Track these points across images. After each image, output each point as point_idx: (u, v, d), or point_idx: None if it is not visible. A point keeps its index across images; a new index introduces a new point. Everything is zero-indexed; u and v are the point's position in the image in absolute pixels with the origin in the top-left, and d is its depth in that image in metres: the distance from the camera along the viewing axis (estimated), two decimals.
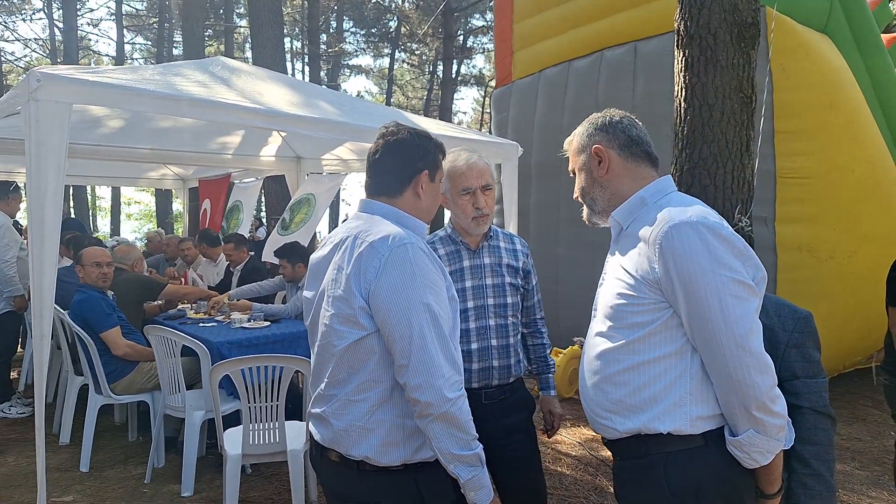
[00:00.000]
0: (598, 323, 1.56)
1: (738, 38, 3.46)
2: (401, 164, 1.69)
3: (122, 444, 4.34)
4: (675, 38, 3.70)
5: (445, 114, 22.79)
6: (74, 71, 3.12)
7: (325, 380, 1.64)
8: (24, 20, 24.40)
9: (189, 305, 5.08)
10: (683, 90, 3.64)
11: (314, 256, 1.77)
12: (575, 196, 1.70)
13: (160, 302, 4.81)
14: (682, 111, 3.64)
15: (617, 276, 1.51)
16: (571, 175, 1.70)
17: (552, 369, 2.48)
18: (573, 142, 1.68)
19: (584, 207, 1.68)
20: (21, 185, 5.39)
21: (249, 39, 28.63)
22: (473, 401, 2.11)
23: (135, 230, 31.68)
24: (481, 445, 1.54)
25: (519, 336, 2.30)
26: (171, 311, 4.90)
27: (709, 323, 1.35)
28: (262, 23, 8.23)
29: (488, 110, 32.54)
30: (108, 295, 4.11)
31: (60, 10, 19.54)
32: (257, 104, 3.65)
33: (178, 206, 29.91)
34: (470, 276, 2.19)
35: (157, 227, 22.39)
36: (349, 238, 1.61)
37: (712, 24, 3.47)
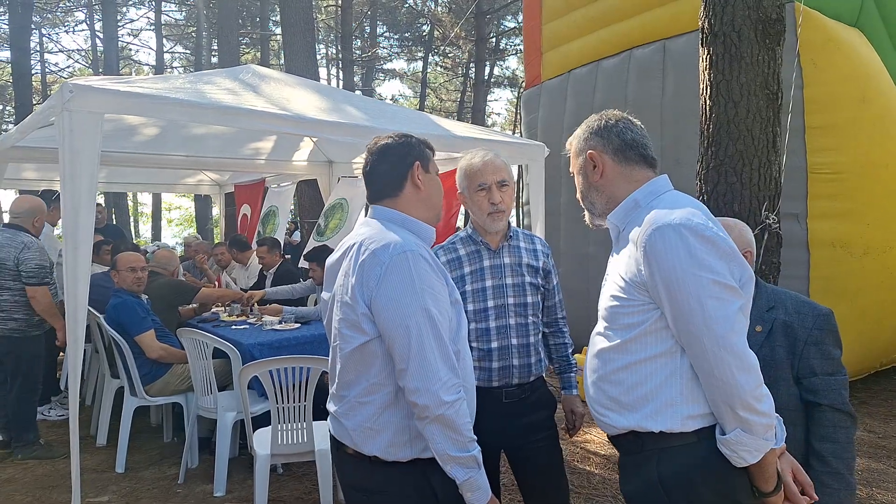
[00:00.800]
0: (599, 323, 1.60)
1: (762, 34, 3.40)
2: (392, 165, 1.76)
3: (157, 446, 4.47)
4: (700, 36, 3.66)
5: (479, 116, 22.79)
6: (106, 81, 3.24)
7: (338, 380, 1.72)
8: (66, 32, 25.25)
9: (222, 308, 5.20)
10: (708, 88, 3.60)
11: (329, 260, 1.84)
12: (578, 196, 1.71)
13: (195, 305, 4.93)
14: (708, 109, 3.60)
15: (613, 278, 1.55)
16: (571, 176, 1.72)
17: (574, 368, 2.48)
18: (573, 144, 1.71)
19: (585, 210, 1.71)
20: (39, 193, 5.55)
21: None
22: (494, 399, 2.16)
23: (175, 235, 32.47)
24: (479, 448, 1.58)
25: (539, 335, 2.30)
26: (205, 314, 5.03)
27: (691, 325, 1.37)
28: (294, 30, 8.38)
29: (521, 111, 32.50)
30: (143, 299, 4.23)
31: (101, 22, 20.19)
32: (285, 110, 3.73)
33: (218, 210, 30.59)
34: (490, 275, 2.21)
35: (197, 231, 22.91)
36: (355, 245, 1.68)
37: (736, 21, 3.43)
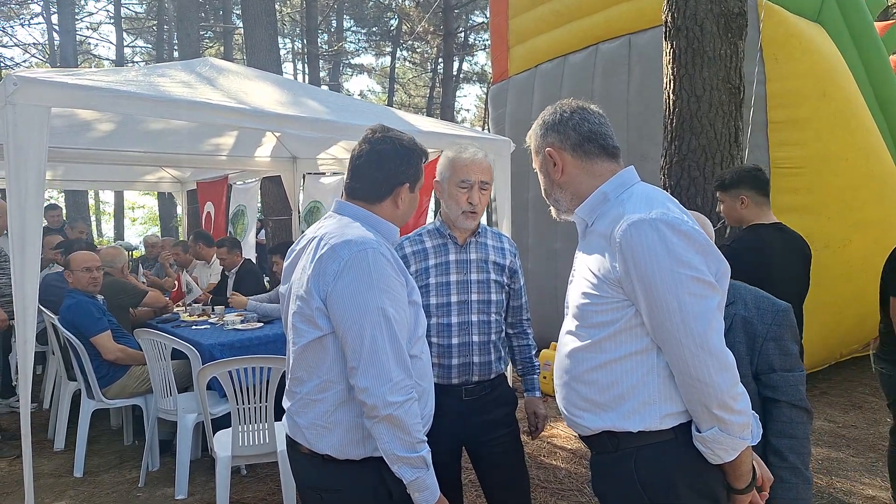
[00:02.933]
0: (568, 321, 1.55)
1: (724, 28, 3.42)
2: (383, 176, 1.71)
3: (117, 449, 4.34)
4: (664, 30, 3.67)
5: (448, 111, 22.76)
6: (54, 74, 3.11)
7: (291, 375, 1.69)
8: (22, 25, 24.47)
9: (183, 308, 5.07)
10: (672, 82, 3.61)
11: (289, 252, 1.80)
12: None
13: (148, 309, 4.80)
14: (671, 103, 3.61)
15: (583, 274, 1.50)
16: (535, 171, 1.67)
17: (537, 371, 2.48)
18: (531, 140, 1.65)
19: (551, 206, 1.66)
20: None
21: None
22: (454, 397, 2.14)
23: (140, 234, 31.79)
24: (428, 448, 1.56)
25: (502, 333, 2.28)
26: (166, 315, 4.90)
27: (668, 322, 1.33)
28: (256, 23, 8.21)
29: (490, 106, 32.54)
30: (99, 299, 4.10)
31: (57, 14, 19.60)
32: (242, 104, 3.63)
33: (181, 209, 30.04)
34: (455, 270, 2.18)
35: (161, 230, 22.44)
36: (315, 239, 1.64)
37: (699, 16, 3.44)
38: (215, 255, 6.05)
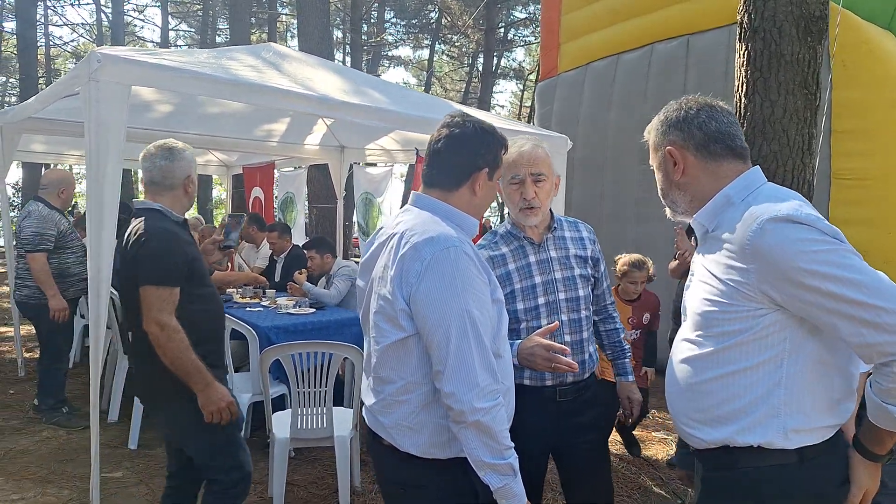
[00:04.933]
0: (687, 329, 1.48)
1: (804, 31, 3.34)
2: (461, 160, 1.67)
3: None
4: (738, 32, 3.60)
5: (484, 107, 22.71)
6: (134, 53, 3.16)
7: (373, 374, 1.66)
8: (71, 5, 24.97)
9: (235, 290, 5.14)
10: (745, 85, 3.54)
11: (366, 245, 1.78)
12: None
13: None
14: (742, 107, 3.54)
15: (705, 280, 1.42)
16: (651, 168, 1.61)
17: (628, 354, 2.39)
18: (650, 136, 1.58)
19: (667, 207, 1.60)
20: (68, 167, 5.50)
21: (293, 28, 28.86)
22: (546, 399, 2.07)
23: None
24: (515, 455, 1.52)
25: (591, 329, 2.21)
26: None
27: (830, 302, 1.23)
28: (309, 11, 8.26)
29: (527, 104, 32.34)
30: None
31: None
32: (309, 90, 3.66)
33: (218, 192, 30.41)
34: (538, 271, 2.10)
35: (198, 212, 22.78)
36: (395, 236, 1.60)
37: (777, 17, 3.36)
38: (265, 240, 6.12)
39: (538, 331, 1.88)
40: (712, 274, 1.40)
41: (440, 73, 31.62)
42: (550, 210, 2.17)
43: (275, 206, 8.59)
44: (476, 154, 1.66)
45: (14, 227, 5.14)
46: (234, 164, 8.92)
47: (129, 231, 2.31)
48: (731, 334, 1.35)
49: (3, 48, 23.76)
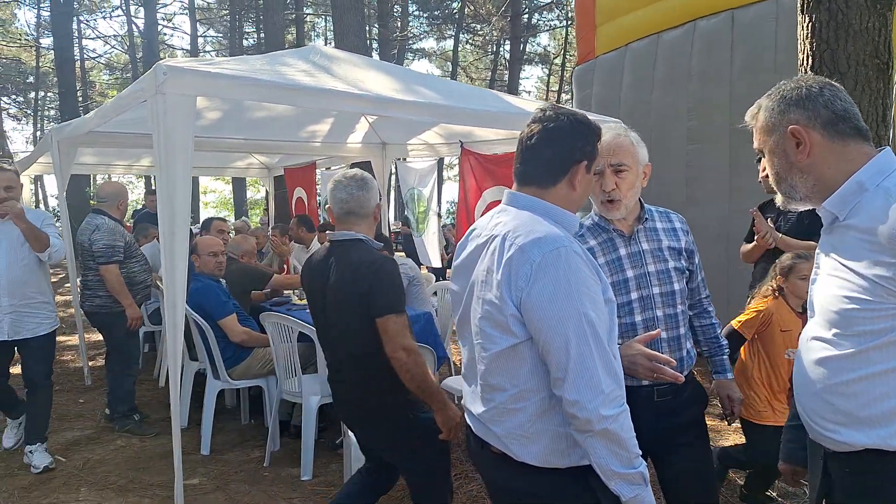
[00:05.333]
0: (818, 327, 1.41)
1: None
2: (558, 155, 1.59)
3: (236, 428, 4.50)
4: (800, 3, 3.48)
5: (512, 94, 22.53)
6: (196, 63, 3.19)
7: (479, 382, 1.61)
8: (103, 17, 25.47)
9: (293, 293, 5.19)
10: (810, 58, 3.43)
11: (458, 247, 1.75)
12: (761, 177, 1.56)
13: (266, 290, 4.93)
14: None
15: (838, 274, 1.35)
16: (758, 154, 1.54)
17: (725, 350, 2.30)
18: (759, 117, 1.50)
19: (778, 193, 1.52)
20: (133, 180, 5.61)
21: (318, 27, 28.96)
22: (643, 399, 1.98)
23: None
24: (644, 463, 1.46)
25: (688, 325, 2.13)
26: (277, 298, 5.02)
27: None
28: (344, 9, 8.27)
29: (553, 88, 31.93)
30: (222, 283, 4.23)
31: (137, 6, 20.22)
32: (363, 91, 3.66)
33: (253, 193, 30.83)
34: (630, 265, 2.02)
35: (234, 214, 23.14)
36: (497, 238, 1.54)
37: None
38: (315, 240, 6.16)
39: (638, 337, 1.82)
40: (848, 268, 1.32)
41: (465, 62, 31.49)
42: (640, 200, 2.09)
43: (318, 205, 8.65)
44: (573, 147, 1.60)
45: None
46: (275, 165, 9.01)
47: (334, 262, 2.36)
48: (875, 334, 1.28)
49: (41, 63, 24.36)
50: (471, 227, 1.75)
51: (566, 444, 1.51)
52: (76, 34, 21.67)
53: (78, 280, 5.05)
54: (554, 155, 1.60)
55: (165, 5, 26.27)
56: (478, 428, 1.66)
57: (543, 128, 1.62)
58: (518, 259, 1.47)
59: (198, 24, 25.56)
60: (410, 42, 28.64)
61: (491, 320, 1.52)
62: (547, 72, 32.23)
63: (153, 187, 6.38)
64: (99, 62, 27.42)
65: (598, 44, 7.79)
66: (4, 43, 28.06)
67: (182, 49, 28.65)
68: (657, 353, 1.76)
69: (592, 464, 1.46)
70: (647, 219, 2.09)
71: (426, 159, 7.06)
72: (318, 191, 8.68)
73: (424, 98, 3.94)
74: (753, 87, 5.45)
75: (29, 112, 33.72)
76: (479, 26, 27.08)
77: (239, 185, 24.17)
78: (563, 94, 28.95)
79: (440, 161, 7.60)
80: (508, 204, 1.65)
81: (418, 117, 3.85)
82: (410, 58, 30.91)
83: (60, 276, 12.95)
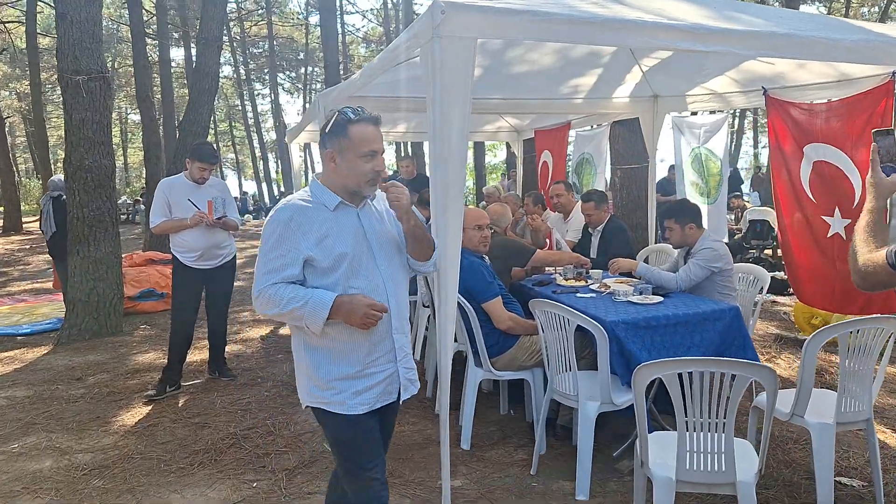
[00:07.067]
0: None
1: None
2: None
3: (494, 419, 4.07)
4: None
5: None
6: None
7: None
8: None
9: (555, 270, 4.59)
10: None
11: None
12: None
13: (527, 267, 4.38)
14: None
15: None
16: None
17: None
18: None
19: None
20: (384, 146, 5.44)
21: None
22: None
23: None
24: None
25: None
26: (539, 276, 4.46)
27: None
28: None
29: None
30: (486, 260, 3.75)
31: None
32: (674, 19, 2.81)
33: (489, 158, 31.00)
34: None
35: (474, 181, 23.33)
36: None
37: None
38: (577, 208, 5.49)
39: None
40: None
41: None
42: None
43: (567, 169, 7.97)
44: None
45: None
46: (525, 128, 8.46)
47: None
48: None
49: (309, 41, 26.76)
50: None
51: None
52: (339, 10, 23.25)
53: None
54: None
55: None
56: None
57: None
58: None
59: None
60: None
61: None
62: None
63: (405, 154, 6.28)
64: (357, 36, 29.39)
65: None
66: (281, 24, 31.44)
67: None
68: None
69: None
70: None
71: (710, 114, 5.93)
72: (570, 153, 8.00)
73: (753, 27, 2.97)
74: None
75: (300, 86, 37.68)
76: None
77: (479, 149, 24.21)
78: None
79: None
80: None
81: (743, 51, 2.89)
82: None
83: None
